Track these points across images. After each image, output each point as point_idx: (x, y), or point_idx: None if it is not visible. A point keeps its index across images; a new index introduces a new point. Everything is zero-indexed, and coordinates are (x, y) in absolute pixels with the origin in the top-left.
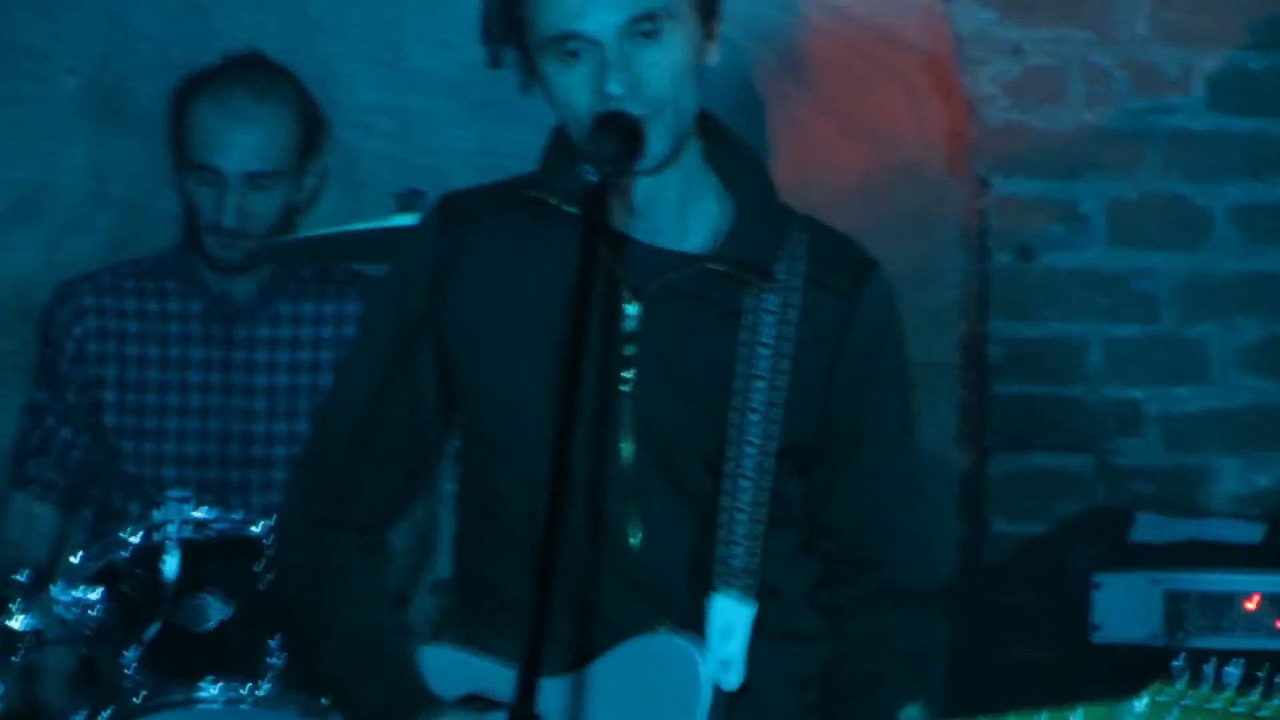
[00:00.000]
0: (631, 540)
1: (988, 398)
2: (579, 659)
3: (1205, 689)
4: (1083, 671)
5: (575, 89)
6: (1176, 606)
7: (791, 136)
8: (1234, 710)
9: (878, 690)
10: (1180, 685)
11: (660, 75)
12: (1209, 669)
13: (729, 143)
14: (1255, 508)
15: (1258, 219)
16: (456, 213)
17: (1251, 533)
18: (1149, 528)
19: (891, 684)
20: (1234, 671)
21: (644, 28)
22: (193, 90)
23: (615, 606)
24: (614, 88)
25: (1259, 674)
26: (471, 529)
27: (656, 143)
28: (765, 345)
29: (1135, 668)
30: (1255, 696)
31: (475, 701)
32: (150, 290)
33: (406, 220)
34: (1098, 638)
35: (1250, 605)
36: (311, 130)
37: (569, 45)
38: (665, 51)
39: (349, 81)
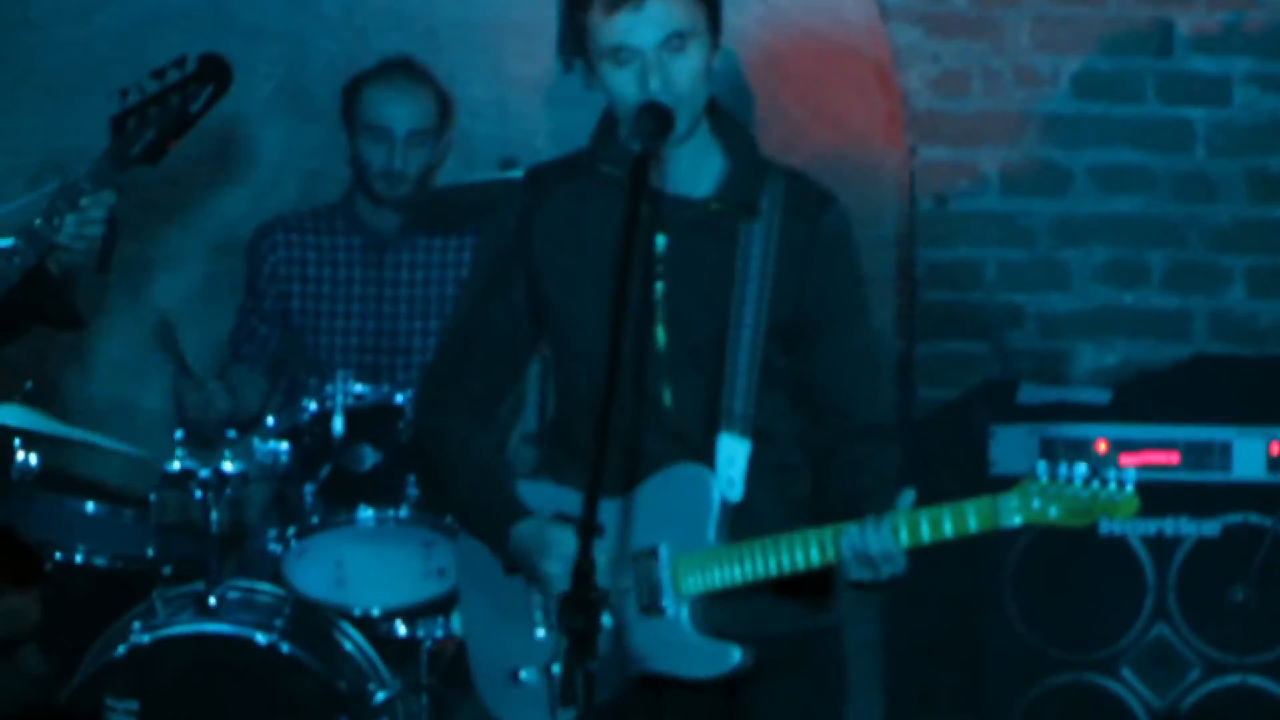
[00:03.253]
0: (664, 400)
1: (916, 302)
2: (628, 485)
3: (1060, 482)
4: (982, 495)
5: (626, 85)
6: (1049, 448)
7: (777, 119)
8: (1079, 493)
9: (858, 501)
10: (1040, 481)
11: (684, 77)
12: (1063, 468)
13: (727, 118)
14: (1103, 380)
15: (1106, 175)
16: (535, 180)
17: (1101, 396)
18: (1030, 393)
19: (869, 496)
20: (1080, 469)
21: (675, 44)
22: (364, 79)
23: (653, 448)
24: (654, 85)
25: (1102, 472)
26: (560, 402)
27: (680, 124)
28: (754, 258)
29: None
30: (1096, 485)
31: (559, 519)
32: (324, 229)
33: (505, 175)
34: (993, 471)
35: (1101, 447)
36: (445, 108)
37: (621, 55)
38: (688, 59)
39: (465, 82)
